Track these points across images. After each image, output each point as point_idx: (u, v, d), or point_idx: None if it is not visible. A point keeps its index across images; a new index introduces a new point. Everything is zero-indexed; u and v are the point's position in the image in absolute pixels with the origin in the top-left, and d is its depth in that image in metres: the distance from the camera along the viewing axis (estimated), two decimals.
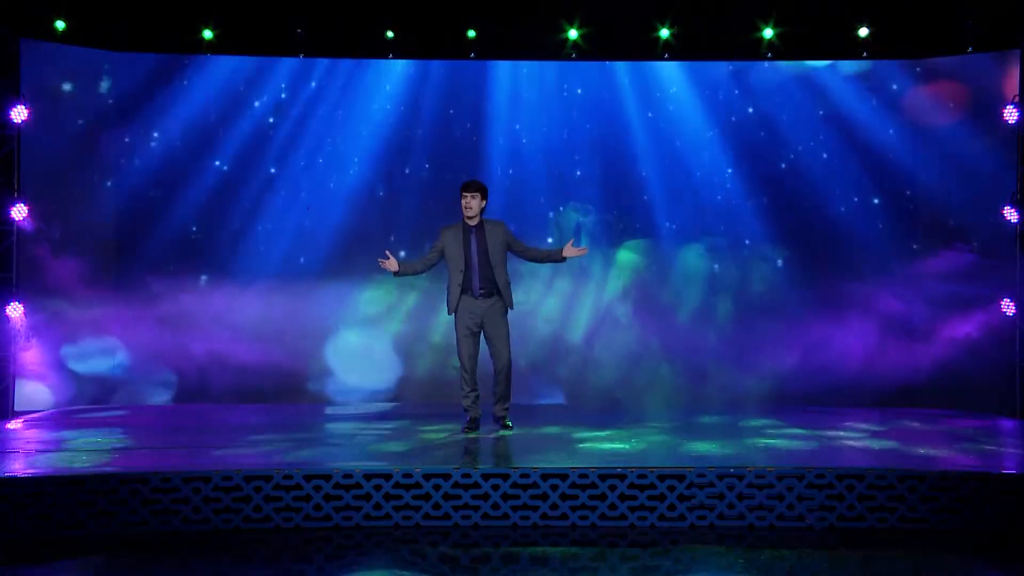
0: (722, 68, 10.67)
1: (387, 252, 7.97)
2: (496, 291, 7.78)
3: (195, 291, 10.33)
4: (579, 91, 10.80)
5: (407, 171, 10.72)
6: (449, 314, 7.91)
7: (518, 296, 8.27)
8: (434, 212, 10.52)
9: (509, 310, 7.90)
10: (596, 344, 10.68)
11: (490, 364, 7.96)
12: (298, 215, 10.61)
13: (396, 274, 7.95)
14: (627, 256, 10.76)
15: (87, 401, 10.03)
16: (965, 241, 9.98)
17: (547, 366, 10.59)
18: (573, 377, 10.63)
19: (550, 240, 10.57)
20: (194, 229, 10.45)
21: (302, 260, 10.59)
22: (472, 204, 7.76)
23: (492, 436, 7.64)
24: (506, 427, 7.93)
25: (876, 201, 10.45)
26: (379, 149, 10.71)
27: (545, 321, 10.46)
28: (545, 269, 10.02)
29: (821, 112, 10.55)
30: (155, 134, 10.40)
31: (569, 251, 7.92)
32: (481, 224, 7.82)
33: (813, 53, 10.35)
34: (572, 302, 10.71)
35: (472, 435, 7.69)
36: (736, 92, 10.68)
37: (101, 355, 10.17)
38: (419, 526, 6.01)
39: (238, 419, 9.00)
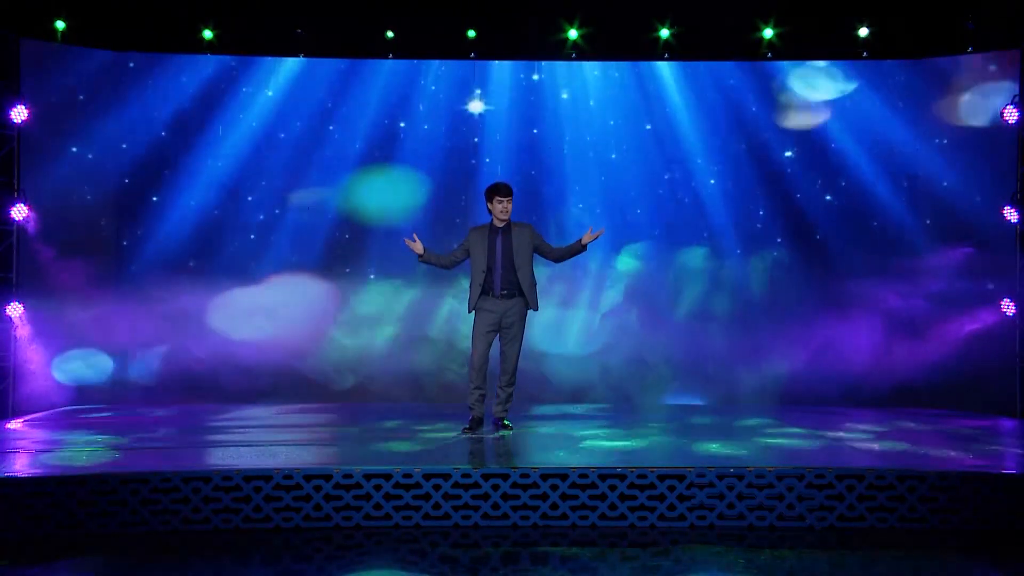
0: (724, 68, 10.66)
1: (414, 235, 7.95)
2: (518, 292, 7.78)
3: (196, 291, 10.32)
4: (579, 91, 10.79)
5: (407, 172, 10.72)
6: (469, 312, 7.89)
7: None
8: (435, 212, 10.56)
9: (531, 311, 7.89)
10: (598, 345, 10.68)
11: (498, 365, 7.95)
12: (299, 215, 10.62)
13: (420, 258, 7.89)
14: (629, 258, 10.75)
15: (87, 401, 10.03)
16: (965, 241, 9.98)
17: (549, 367, 10.59)
18: (575, 378, 10.63)
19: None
20: (195, 228, 10.44)
21: (303, 260, 10.59)
22: (509, 208, 7.76)
23: (492, 436, 7.64)
24: (505, 427, 7.92)
25: (876, 202, 10.44)
26: (379, 149, 10.72)
27: (548, 322, 10.44)
28: (546, 273, 10.00)
29: (822, 112, 10.56)
30: (155, 133, 10.39)
31: (588, 237, 7.89)
32: (509, 226, 7.81)
33: (813, 53, 10.36)
34: (575, 304, 10.72)
35: (473, 435, 7.69)
36: (736, 92, 10.68)
37: (101, 355, 10.17)
38: (419, 526, 6.01)
39: (239, 419, 8.99)
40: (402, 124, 10.71)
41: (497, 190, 7.80)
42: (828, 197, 10.53)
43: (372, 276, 10.67)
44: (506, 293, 7.76)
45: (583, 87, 10.82)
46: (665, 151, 10.73)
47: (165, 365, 10.31)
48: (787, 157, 10.61)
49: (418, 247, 7.84)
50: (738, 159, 10.68)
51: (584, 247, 7.95)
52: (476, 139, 10.76)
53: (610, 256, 10.71)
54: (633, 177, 10.75)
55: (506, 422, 7.96)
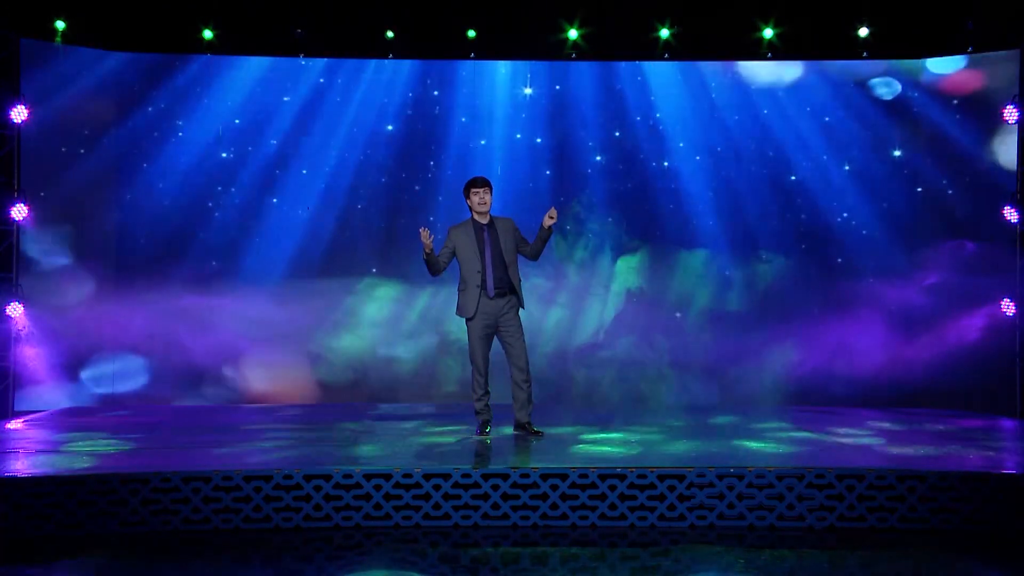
0: (724, 68, 10.66)
1: (427, 230, 7.39)
2: (510, 290, 7.49)
3: (197, 291, 10.32)
4: (578, 93, 10.79)
5: (407, 173, 10.74)
6: (469, 318, 7.49)
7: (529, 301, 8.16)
8: (437, 212, 10.58)
9: (521, 309, 7.61)
10: (600, 346, 10.68)
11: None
12: (300, 217, 10.62)
13: (425, 254, 7.43)
14: (630, 261, 10.75)
15: (87, 401, 10.03)
16: (965, 241, 9.99)
17: (551, 368, 10.56)
18: (576, 378, 10.62)
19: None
20: (197, 228, 10.44)
21: (303, 262, 10.59)
22: (487, 199, 7.44)
23: (496, 437, 7.62)
24: (535, 433, 7.51)
25: (876, 202, 10.45)
26: (380, 149, 10.73)
27: (549, 323, 10.44)
28: (548, 275, 10.00)
29: (824, 114, 10.56)
30: (155, 133, 10.40)
31: (547, 220, 7.42)
32: (492, 221, 7.53)
33: (813, 53, 10.36)
34: (577, 305, 10.71)
35: (480, 437, 7.59)
36: (737, 93, 10.67)
37: (101, 355, 10.17)
38: (419, 526, 6.01)
39: (239, 419, 8.99)
40: (401, 126, 10.72)
41: (473, 182, 7.50)
42: (827, 197, 10.52)
43: (373, 276, 10.66)
44: (499, 291, 7.44)
45: (581, 89, 10.78)
46: (667, 152, 10.71)
47: (165, 365, 10.31)
48: (789, 157, 10.59)
49: (427, 241, 7.35)
50: (742, 161, 10.66)
51: (549, 228, 7.48)
52: (472, 141, 10.75)
53: (613, 259, 10.71)
54: (636, 179, 10.74)
55: (535, 428, 7.59)
